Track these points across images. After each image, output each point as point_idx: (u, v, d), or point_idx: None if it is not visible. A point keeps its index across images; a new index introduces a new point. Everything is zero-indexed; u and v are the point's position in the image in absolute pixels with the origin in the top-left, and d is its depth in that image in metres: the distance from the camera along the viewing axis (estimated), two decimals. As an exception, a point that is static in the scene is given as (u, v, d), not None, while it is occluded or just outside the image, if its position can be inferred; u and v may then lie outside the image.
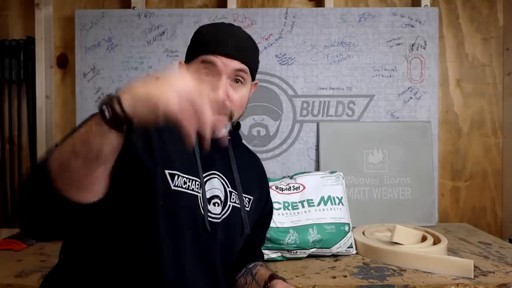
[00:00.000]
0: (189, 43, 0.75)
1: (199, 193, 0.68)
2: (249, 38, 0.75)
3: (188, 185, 0.67)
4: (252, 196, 0.80)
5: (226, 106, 0.69)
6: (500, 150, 1.49)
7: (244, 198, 0.77)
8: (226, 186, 0.74)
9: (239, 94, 0.72)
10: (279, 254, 1.02)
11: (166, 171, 0.64)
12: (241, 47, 0.72)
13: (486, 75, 1.49)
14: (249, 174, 0.81)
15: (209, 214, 0.69)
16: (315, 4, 1.51)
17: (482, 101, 1.49)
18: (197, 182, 0.68)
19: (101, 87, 1.43)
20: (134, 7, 1.44)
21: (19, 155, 1.49)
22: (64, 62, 1.50)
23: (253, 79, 0.77)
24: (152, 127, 0.59)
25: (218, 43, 0.70)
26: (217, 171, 0.74)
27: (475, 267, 0.92)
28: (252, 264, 0.81)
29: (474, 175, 1.49)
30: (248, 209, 0.78)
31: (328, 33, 1.42)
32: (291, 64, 1.42)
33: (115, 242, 0.62)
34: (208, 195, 0.70)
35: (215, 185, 0.72)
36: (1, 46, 1.44)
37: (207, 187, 0.70)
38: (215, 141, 0.74)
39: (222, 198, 0.73)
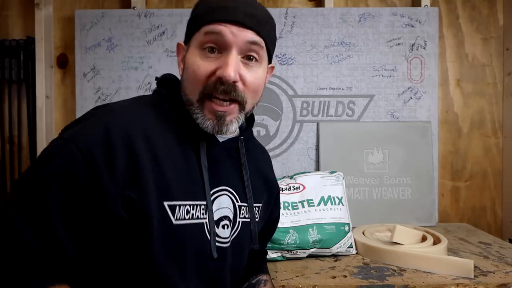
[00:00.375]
0: None
1: (205, 218, 0.58)
2: (264, 9, 0.61)
3: (192, 214, 0.56)
4: (261, 202, 0.71)
5: (237, 89, 0.56)
6: (500, 150, 1.49)
7: (254, 209, 0.68)
8: (235, 201, 0.64)
9: (254, 75, 0.58)
10: (279, 254, 1.02)
11: (166, 203, 0.54)
12: (255, 15, 0.58)
13: (486, 75, 1.49)
14: (259, 176, 0.72)
15: (217, 239, 0.60)
16: (315, 4, 1.51)
17: (482, 101, 1.49)
18: (202, 207, 0.58)
19: (101, 87, 1.43)
20: (134, 7, 1.44)
21: (19, 155, 1.49)
22: (64, 62, 1.50)
23: (269, 60, 0.64)
24: (141, 161, 0.52)
25: (226, 9, 0.56)
26: (225, 185, 0.63)
27: (475, 267, 0.92)
28: (256, 280, 0.75)
29: (474, 175, 1.49)
30: (257, 219, 0.69)
31: (328, 33, 1.42)
32: (291, 64, 1.42)
33: (116, 278, 0.55)
34: (215, 217, 0.60)
35: (224, 204, 0.62)
36: (1, 46, 1.44)
37: (214, 207, 0.60)
38: (225, 143, 0.64)
39: (231, 217, 0.63)
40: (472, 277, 0.88)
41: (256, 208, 0.69)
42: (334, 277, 0.90)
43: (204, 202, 0.58)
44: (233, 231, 0.64)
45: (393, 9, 1.43)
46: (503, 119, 1.49)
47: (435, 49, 1.42)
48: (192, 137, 0.60)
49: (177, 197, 0.55)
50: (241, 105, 0.58)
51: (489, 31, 1.49)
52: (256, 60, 0.59)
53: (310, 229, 1.01)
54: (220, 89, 0.55)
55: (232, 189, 0.64)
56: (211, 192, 0.60)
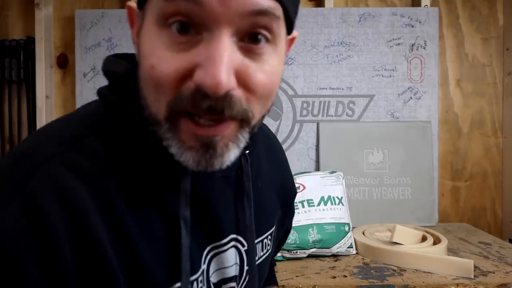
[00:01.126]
0: None
1: (204, 286, 0.41)
2: None
3: None
4: (273, 227, 0.54)
5: (233, 103, 0.32)
6: (500, 150, 1.49)
7: (265, 243, 0.50)
8: (241, 247, 0.45)
9: (264, 69, 0.33)
10: (279, 254, 1.02)
11: None
12: None
13: (486, 75, 1.49)
14: (271, 190, 0.53)
15: None
16: (315, 4, 1.51)
17: (482, 101, 1.49)
18: (199, 278, 0.40)
19: (101, 87, 1.43)
20: (134, 7, 1.44)
21: (19, 155, 1.49)
22: (64, 62, 1.50)
23: (289, 29, 0.37)
24: (103, 251, 0.31)
25: None
26: (231, 233, 0.44)
27: (475, 267, 0.92)
28: None
29: (474, 175, 1.49)
30: (269, 250, 0.52)
31: (328, 33, 1.42)
32: (291, 64, 1.42)
33: None
34: (215, 279, 0.43)
35: (228, 262, 0.43)
36: (1, 46, 1.44)
37: (213, 267, 0.42)
38: (223, 176, 0.42)
39: (237, 272, 0.45)
40: (472, 277, 0.88)
41: (268, 237, 0.52)
42: (334, 277, 0.90)
43: (198, 274, 0.39)
44: (241, 283, 0.47)
45: (393, 9, 1.43)
46: (503, 119, 1.49)
47: (435, 49, 1.42)
48: (169, 175, 0.37)
49: (159, 284, 0.35)
50: (244, 122, 0.34)
51: (489, 31, 1.49)
52: (268, 41, 0.33)
53: (310, 229, 1.01)
54: (204, 106, 0.31)
55: (240, 235, 0.45)
56: (208, 249, 0.41)
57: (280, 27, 0.34)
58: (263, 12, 0.32)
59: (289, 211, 0.62)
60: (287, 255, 1.02)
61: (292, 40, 0.42)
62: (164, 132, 0.34)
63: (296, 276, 0.91)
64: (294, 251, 1.01)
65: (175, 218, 0.37)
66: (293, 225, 1.01)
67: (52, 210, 0.30)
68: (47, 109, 1.45)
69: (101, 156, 0.34)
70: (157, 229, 0.36)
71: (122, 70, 0.39)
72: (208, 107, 0.31)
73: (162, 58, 0.32)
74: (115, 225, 0.33)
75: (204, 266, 0.40)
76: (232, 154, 0.35)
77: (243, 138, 0.35)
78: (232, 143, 0.34)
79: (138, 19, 0.37)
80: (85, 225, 0.31)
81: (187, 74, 0.32)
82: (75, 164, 0.33)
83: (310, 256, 1.04)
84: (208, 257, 0.41)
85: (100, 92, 0.40)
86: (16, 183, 0.30)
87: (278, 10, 0.33)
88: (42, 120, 1.44)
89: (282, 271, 0.94)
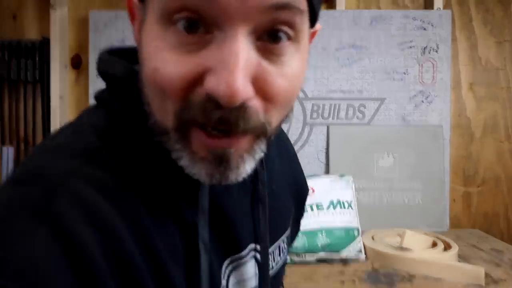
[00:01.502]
0: None
1: None
2: None
3: None
4: (288, 228, 0.52)
5: (248, 116, 0.28)
6: (513, 155, 1.47)
7: (281, 247, 0.48)
8: (257, 256, 0.43)
9: (286, 73, 0.29)
10: (288, 258, 1.02)
11: None
12: None
13: (499, 79, 1.47)
14: (285, 191, 0.51)
15: None
16: (327, 6, 1.50)
17: (495, 105, 1.47)
18: None
19: (113, 88, 1.45)
20: (146, 9, 1.45)
21: (33, 154, 1.52)
22: (78, 63, 1.52)
23: (313, 22, 0.32)
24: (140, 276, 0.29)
25: None
26: (250, 242, 0.42)
27: (486, 274, 0.90)
28: None
29: (487, 180, 1.47)
30: (285, 252, 0.50)
31: (339, 35, 1.42)
32: (301, 66, 1.42)
33: None
34: None
35: (247, 274, 0.41)
36: (17, 47, 1.47)
37: (231, 282, 0.40)
38: (239, 184, 0.35)
39: (257, 282, 0.43)
40: (483, 284, 0.87)
41: (284, 240, 0.50)
42: (343, 282, 0.90)
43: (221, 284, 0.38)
44: None
45: (405, 11, 1.42)
46: (517, 124, 1.46)
47: (447, 52, 1.41)
48: (186, 187, 0.35)
49: None
50: (261, 134, 0.31)
51: (503, 34, 1.46)
52: (290, 39, 0.29)
53: (319, 233, 1.01)
54: (215, 117, 0.28)
55: (258, 243, 0.43)
56: (227, 262, 0.39)
57: (304, 22, 0.30)
58: (285, 6, 0.28)
59: (303, 208, 0.60)
60: (296, 258, 1.02)
61: (315, 32, 0.38)
62: (173, 144, 0.30)
63: (304, 280, 0.91)
64: (303, 255, 1.01)
65: (193, 234, 0.34)
66: (302, 228, 1.02)
67: (84, 233, 0.26)
68: (61, 110, 1.48)
69: (118, 170, 0.31)
70: (177, 245, 0.33)
71: (122, 73, 0.36)
72: (219, 117, 0.28)
73: (167, 61, 0.28)
74: (144, 242, 0.30)
75: (223, 282, 0.37)
76: (248, 166, 0.31)
77: (260, 150, 0.32)
78: (247, 155, 0.31)
79: (140, 14, 0.33)
80: (119, 246, 0.28)
81: (197, 79, 0.28)
82: (97, 179, 0.30)
83: (318, 260, 1.04)
84: (227, 271, 0.38)
85: (100, 98, 0.37)
86: (36, 209, 0.26)
87: (303, 3, 0.29)
88: (56, 120, 1.46)
89: (290, 275, 0.94)
